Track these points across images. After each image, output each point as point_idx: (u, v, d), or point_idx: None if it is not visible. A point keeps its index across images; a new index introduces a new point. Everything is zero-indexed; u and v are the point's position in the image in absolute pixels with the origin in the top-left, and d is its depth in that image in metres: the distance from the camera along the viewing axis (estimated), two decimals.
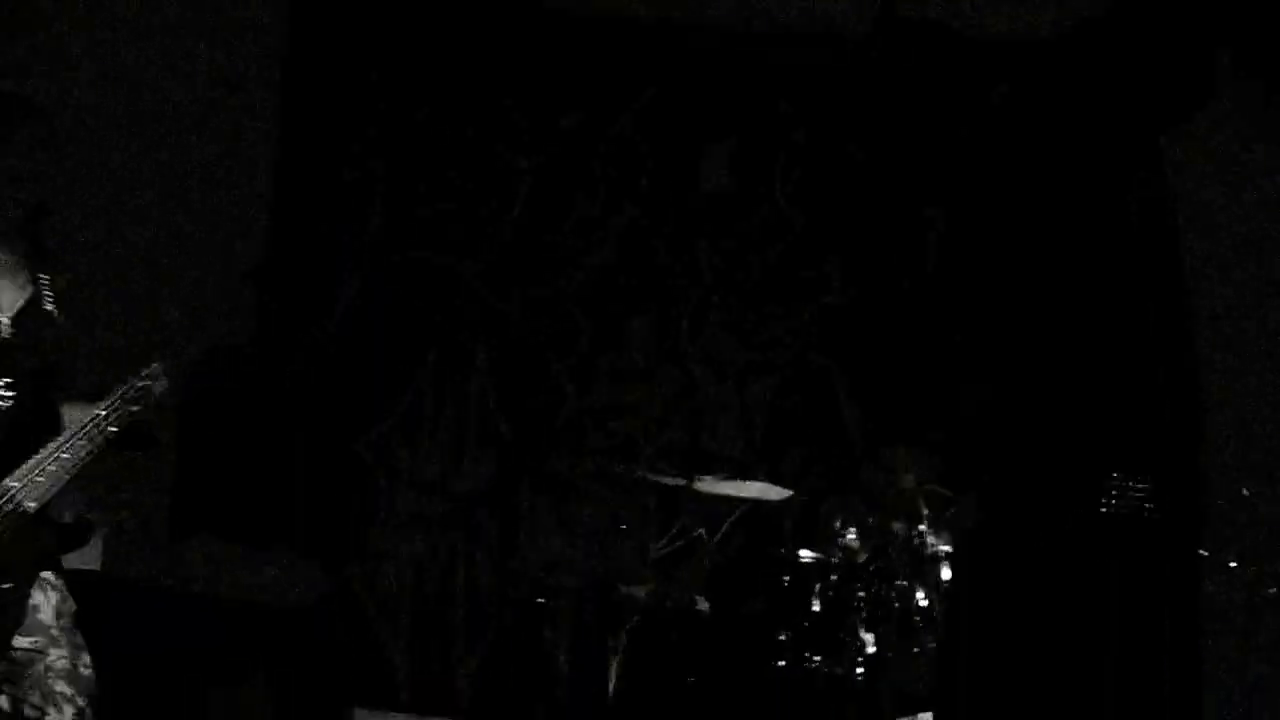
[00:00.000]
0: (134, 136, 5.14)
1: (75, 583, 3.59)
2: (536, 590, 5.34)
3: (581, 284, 5.95)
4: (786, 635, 4.25)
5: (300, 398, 5.75)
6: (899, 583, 4.29)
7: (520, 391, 5.92)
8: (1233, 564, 4.43)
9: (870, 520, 4.41)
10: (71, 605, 3.54)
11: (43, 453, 3.45)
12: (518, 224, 6.01)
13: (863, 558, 4.39)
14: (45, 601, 3.51)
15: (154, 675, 5.00)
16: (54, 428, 3.44)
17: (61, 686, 3.47)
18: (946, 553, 4.26)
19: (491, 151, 6.07)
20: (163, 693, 5.01)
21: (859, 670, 4.20)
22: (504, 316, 5.97)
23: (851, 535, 4.36)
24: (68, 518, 3.32)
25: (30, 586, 3.49)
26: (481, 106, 6.09)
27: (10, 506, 3.42)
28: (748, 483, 5.18)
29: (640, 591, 4.96)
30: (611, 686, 4.77)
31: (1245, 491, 4.36)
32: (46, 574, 3.51)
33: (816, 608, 4.30)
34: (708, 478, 5.13)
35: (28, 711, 3.45)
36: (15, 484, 3.42)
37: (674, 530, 5.63)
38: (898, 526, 4.39)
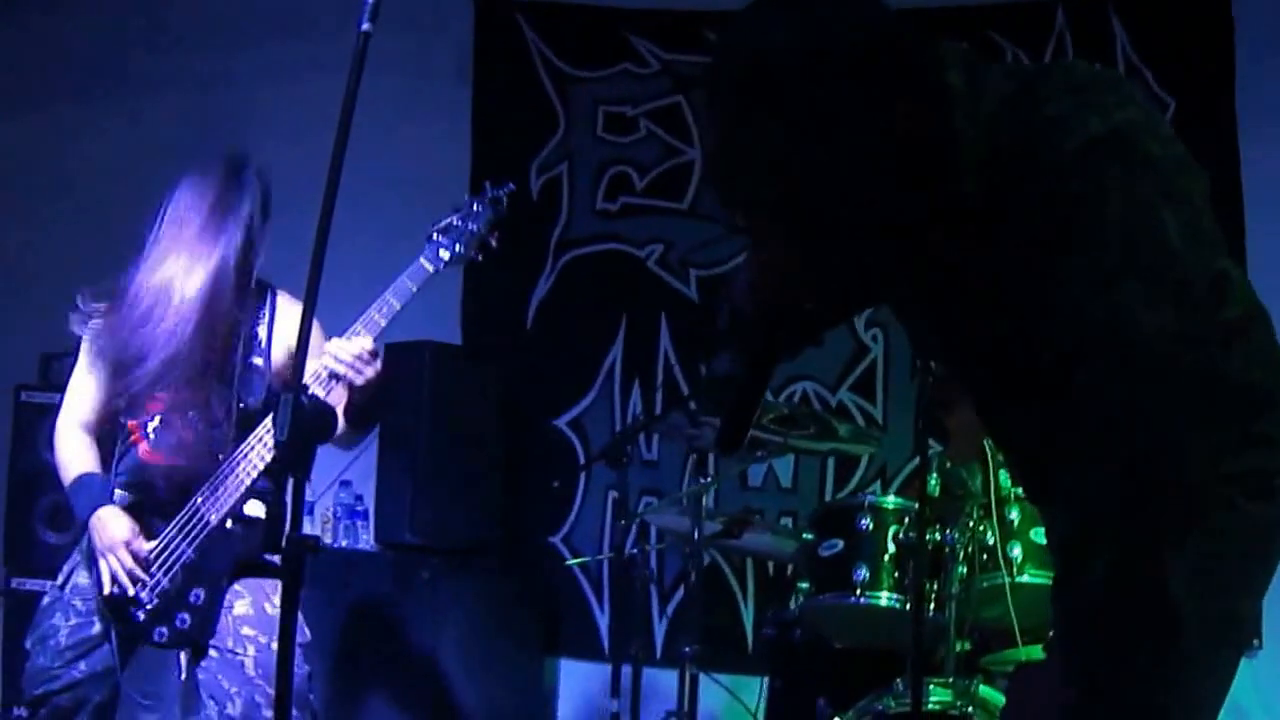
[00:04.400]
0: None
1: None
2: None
3: None
4: (863, 573, 4.46)
5: (503, 386, 6.25)
6: (970, 524, 4.41)
7: (703, 359, 6.34)
8: None
9: (946, 465, 4.56)
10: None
11: (224, 465, 3.67)
12: (690, 211, 6.47)
13: (941, 502, 4.52)
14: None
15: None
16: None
17: (247, 629, 3.71)
18: (1016, 494, 4.37)
19: (666, 146, 6.57)
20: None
21: (932, 607, 4.33)
22: (682, 296, 6.44)
23: (933, 480, 4.49)
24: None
25: (222, 594, 3.68)
26: (657, 108, 6.60)
27: (198, 522, 3.68)
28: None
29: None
30: None
31: None
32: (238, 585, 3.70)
33: (892, 549, 4.48)
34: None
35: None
36: (200, 499, 3.67)
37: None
38: (967, 471, 4.53)
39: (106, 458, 3.88)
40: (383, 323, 3.65)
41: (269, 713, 3.63)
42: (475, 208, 3.81)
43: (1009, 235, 2.04)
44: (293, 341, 3.69)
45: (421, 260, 3.70)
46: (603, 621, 6.31)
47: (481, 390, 6.12)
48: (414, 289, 3.66)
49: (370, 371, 3.64)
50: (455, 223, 3.77)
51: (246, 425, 3.73)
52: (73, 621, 3.75)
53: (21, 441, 5.82)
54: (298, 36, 6.65)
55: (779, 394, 6.19)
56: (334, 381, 3.62)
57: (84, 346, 3.92)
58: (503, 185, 3.88)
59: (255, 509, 3.75)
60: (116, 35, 6.99)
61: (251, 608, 3.73)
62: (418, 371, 5.91)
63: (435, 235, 3.74)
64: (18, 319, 6.42)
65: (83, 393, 3.89)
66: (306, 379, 3.55)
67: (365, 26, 2.46)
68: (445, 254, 3.72)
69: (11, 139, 6.92)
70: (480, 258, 3.85)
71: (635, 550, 5.48)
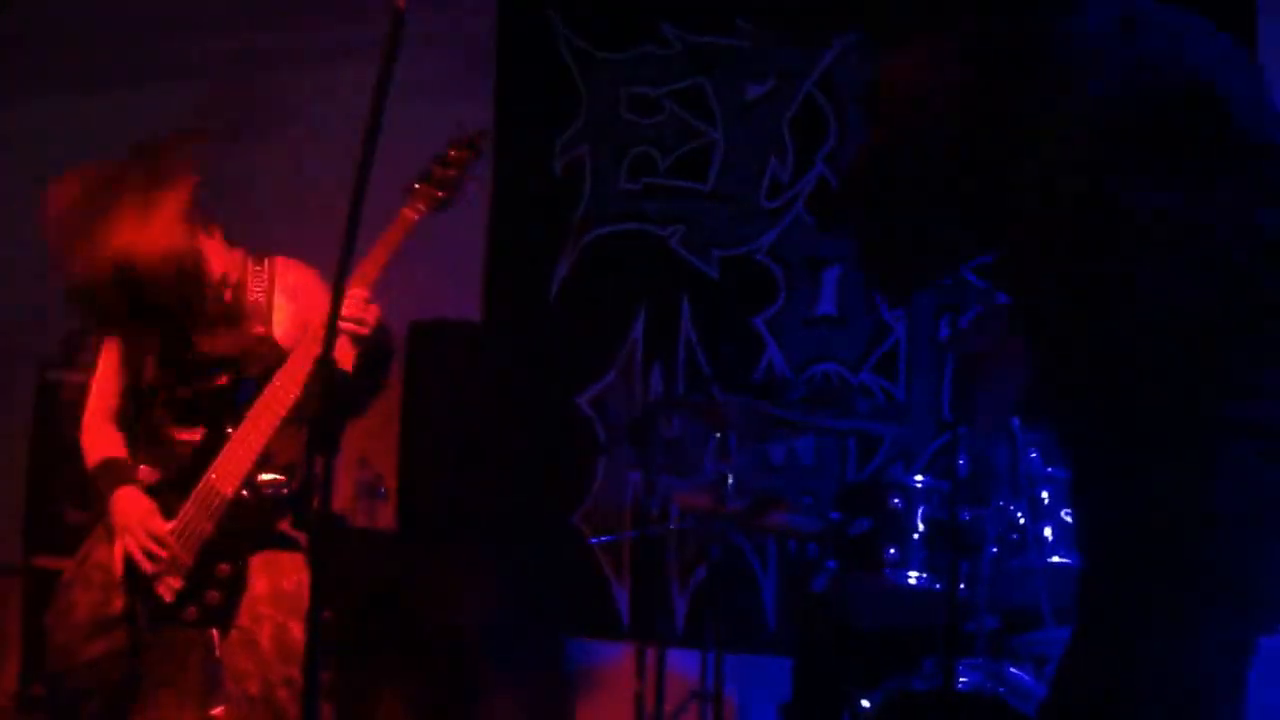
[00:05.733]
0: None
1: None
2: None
3: (774, 242, 6.33)
4: (894, 552, 4.45)
5: (524, 365, 6.28)
6: (999, 504, 4.40)
7: (722, 340, 6.33)
8: None
9: (975, 447, 4.55)
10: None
11: (234, 437, 3.72)
12: (713, 191, 6.46)
13: (971, 482, 4.50)
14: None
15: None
16: None
17: (264, 608, 3.73)
18: (1046, 474, 4.36)
19: (688, 127, 6.56)
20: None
21: (962, 586, 4.31)
22: (704, 276, 6.44)
23: (961, 461, 4.49)
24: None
25: (246, 567, 3.72)
26: (678, 88, 6.60)
27: (213, 496, 3.71)
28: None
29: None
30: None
31: None
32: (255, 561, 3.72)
33: (921, 529, 4.47)
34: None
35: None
36: (213, 474, 3.70)
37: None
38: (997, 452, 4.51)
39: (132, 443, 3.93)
40: (374, 273, 3.73)
41: (284, 691, 3.67)
42: (451, 153, 3.96)
43: None
44: (296, 302, 3.91)
45: (404, 209, 3.81)
46: (623, 601, 6.31)
47: (503, 369, 6.12)
48: (400, 238, 3.77)
49: (370, 319, 3.70)
50: (434, 170, 3.91)
51: (250, 393, 3.79)
52: (92, 597, 3.77)
53: (44, 419, 5.83)
54: (324, 21, 6.64)
55: (800, 374, 6.19)
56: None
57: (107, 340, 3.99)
58: (480, 130, 4.06)
59: (269, 476, 3.79)
60: (142, 18, 6.99)
61: (269, 585, 3.76)
62: (439, 350, 5.91)
63: (416, 185, 3.87)
64: (41, 298, 6.42)
65: (108, 384, 3.94)
66: (310, 339, 3.68)
67: (400, 3, 2.46)
68: (425, 202, 3.84)
69: (36, 119, 6.94)
70: (456, 197, 3.95)
71: (655, 529, 5.48)
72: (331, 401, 2.47)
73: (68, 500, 5.68)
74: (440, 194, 3.86)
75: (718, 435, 5.11)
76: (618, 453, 6.33)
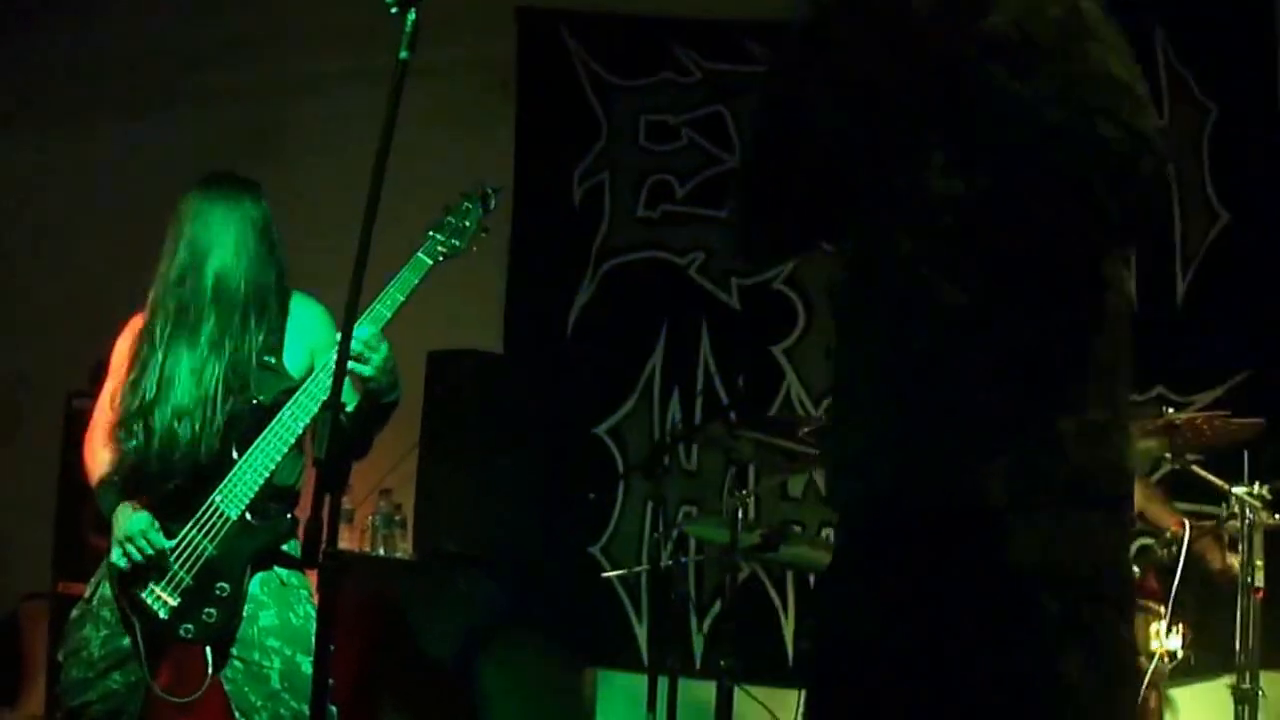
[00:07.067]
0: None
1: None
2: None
3: (793, 271, 6.32)
4: None
5: (543, 395, 6.26)
6: None
7: (741, 370, 6.33)
8: None
9: None
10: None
11: (240, 461, 3.76)
12: (730, 219, 6.45)
13: None
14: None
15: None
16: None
17: (272, 641, 3.75)
18: None
19: (707, 155, 6.56)
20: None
21: None
22: (723, 304, 6.43)
23: None
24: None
25: (245, 586, 3.75)
26: (699, 116, 6.60)
27: (217, 518, 3.74)
28: None
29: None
30: None
31: None
32: (259, 591, 3.75)
33: None
34: None
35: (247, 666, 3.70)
36: (218, 496, 3.74)
37: None
38: None
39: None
40: (387, 314, 3.79)
41: None
42: (466, 205, 4.06)
43: None
44: (313, 344, 3.93)
45: (420, 255, 3.91)
46: (641, 632, 6.29)
47: (522, 398, 6.12)
48: (415, 281, 3.86)
49: (376, 359, 3.72)
50: (449, 219, 4.02)
51: (261, 421, 3.81)
52: (103, 633, 3.79)
53: (74, 448, 5.83)
54: (334, 50, 6.67)
55: (819, 405, 6.17)
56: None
57: (113, 359, 4.02)
58: (493, 186, 4.17)
59: (274, 500, 3.83)
60: (157, 49, 7.03)
61: (277, 618, 3.79)
62: (458, 379, 5.91)
63: (432, 232, 3.98)
64: (70, 327, 6.48)
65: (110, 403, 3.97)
66: (319, 374, 3.78)
67: (404, 55, 2.47)
68: (443, 249, 3.95)
69: (63, 153, 6.98)
70: (474, 249, 4.06)
71: (672, 562, 5.46)
72: (338, 443, 2.46)
73: (95, 527, 5.71)
74: (454, 243, 3.98)
75: (734, 467, 5.08)
76: (636, 483, 6.31)
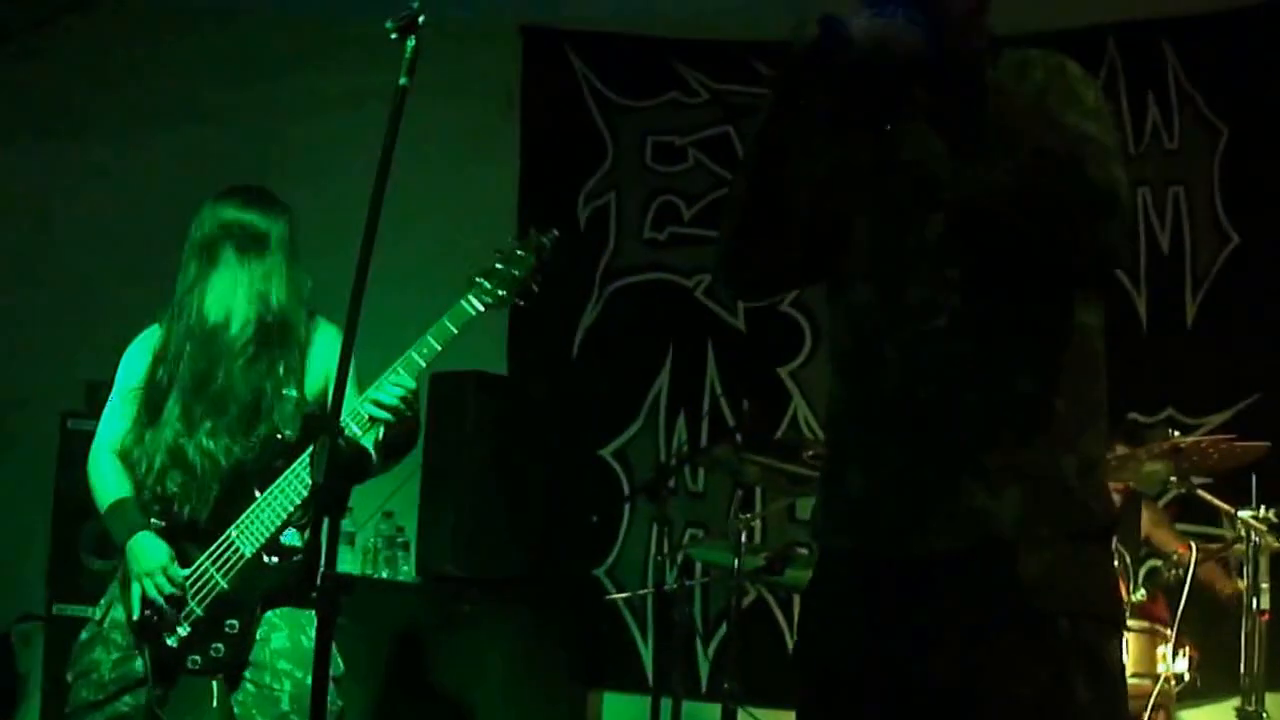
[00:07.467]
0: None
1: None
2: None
3: (800, 293, 6.28)
4: None
5: (548, 416, 6.24)
6: None
7: (748, 393, 6.30)
8: None
9: None
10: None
11: (260, 498, 3.70)
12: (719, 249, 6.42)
13: None
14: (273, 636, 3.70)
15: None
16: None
17: (283, 663, 3.69)
18: None
19: (713, 176, 6.53)
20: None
21: None
22: (730, 327, 6.40)
23: None
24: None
25: (256, 624, 3.70)
26: (706, 137, 6.58)
27: (232, 553, 3.70)
28: None
29: None
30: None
31: None
32: (271, 613, 3.70)
33: None
34: None
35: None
36: (234, 531, 3.70)
37: None
38: None
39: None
40: (422, 364, 3.65)
41: None
42: (518, 252, 3.79)
43: None
44: (330, 369, 3.75)
45: (463, 302, 3.69)
46: (646, 654, 6.26)
47: (526, 420, 6.09)
48: (455, 331, 3.67)
49: (409, 413, 3.66)
50: (498, 266, 3.75)
51: (284, 456, 3.75)
52: (114, 656, 3.75)
53: (68, 469, 5.83)
54: (333, 69, 6.66)
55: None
56: (373, 423, 3.63)
57: (119, 373, 3.93)
58: (548, 231, 3.86)
59: (292, 538, 3.76)
60: (157, 68, 7.03)
61: (288, 640, 3.74)
62: (463, 401, 5.89)
63: (478, 278, 3.73)
64: (64, 347, 6.46)
65: (119, 418, 3.89)
66: (346, 418, 3.58)
67: (403, 81, 2.45)
68: (488, 298, 3.71)
69: (56, 171, 6.97)
70: (523, 303, 3.83)
71: (677, 585, 5.43)
72: (337, 469, 2.43)
73: (90, 548, 5.70)
74: (502, 293, 3.73)
75: (741, 490, 5.05)
76: (642, 505, 6.28)
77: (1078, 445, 2.34)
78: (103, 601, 3.85)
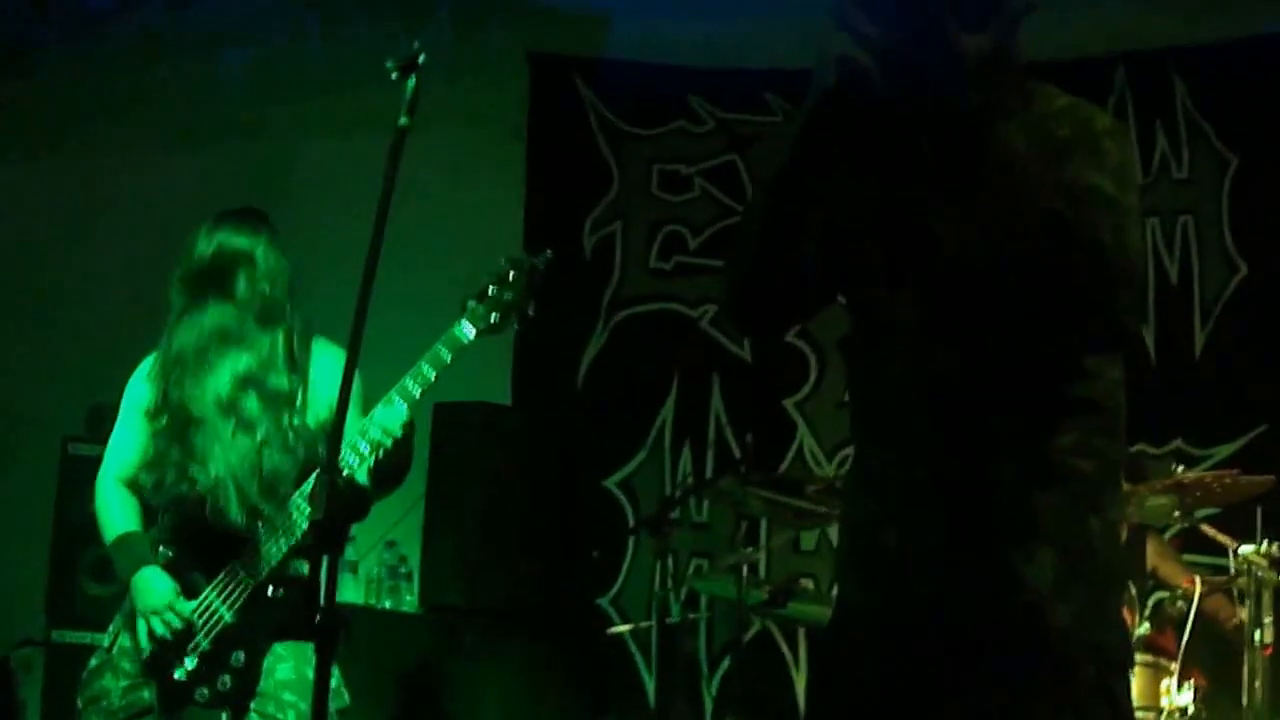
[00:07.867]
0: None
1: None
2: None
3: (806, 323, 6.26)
4: None
5: (552, 446, 6.22)
6: None
7: (753, 425, 6.27)
8: None
9: None
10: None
11: (264, 529, 3.68)
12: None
13: None
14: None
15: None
16: None
17: (288, 695, 3.67)
18: None
19: (720, 205, 6.52)
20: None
21: None
22: (735, 357, 6.37)
23: None
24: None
25: (262, 657, 3.68)
26: (712, 166, 6.57)
27: (237, 585, 3.68)
28: None
29: None
30: None
31: None
32: (279, 646, 3.68)
33: None
34: None
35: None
36: (240, 563, 3.68)
37: None
38: None
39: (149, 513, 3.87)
40: (417, 393, 3.60)
41: None
42: (512, 276, 3.68)
43: None
44: (333, 396, 3.69)
45: (455, 329, 3.62)
46: (650, 686, 6.22)
47: (531, 451, 6.07)
48: (449, 358, 3.60)
49: (403, 443, 3.62)
50: (490, 290, 3.66)
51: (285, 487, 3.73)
52: (123, 683, 3.74)
53: (68, 494, 5.84)
54: (344, 91, 6.64)
55: (832, 458, 6.10)
56: (371, 452, 3.61)
57: (125, 401, 3.91)
58: (541, 254, 3.76)
59: (301, 567, 3.72)
60: (165, 87, 7.02)
61: (294, 672, 3.71)
62: (467, 431, 5.87)
63: (470, 301, 3.65)
64: (65, 371, 6.46)
65: (125, 447, 3.87)
66: (345, 450, 3.54)
67: (403, 121, 2.42)
68: (480, 323, 3.63)
69: (59, 190, 6.97)
70: (518, 326, 3.76)
71: (680, 619, 5.40)
72: (335, 505, 2.40)
73: (90, 574, 5.69)
74: (495, 317, 3.63)
75: (745, 522, 5.03)
76: (646, 535, 6.24)
77: (1102, 506, 2.38)
78: (111, 629, 3.83)
